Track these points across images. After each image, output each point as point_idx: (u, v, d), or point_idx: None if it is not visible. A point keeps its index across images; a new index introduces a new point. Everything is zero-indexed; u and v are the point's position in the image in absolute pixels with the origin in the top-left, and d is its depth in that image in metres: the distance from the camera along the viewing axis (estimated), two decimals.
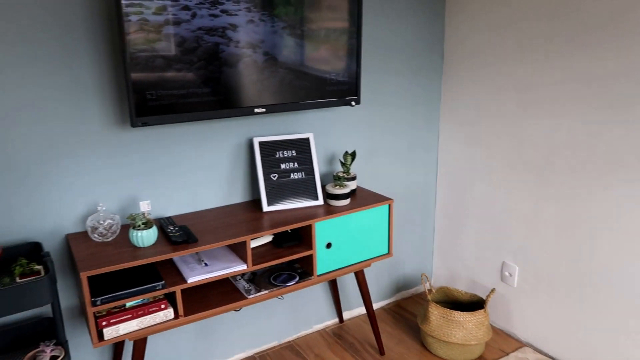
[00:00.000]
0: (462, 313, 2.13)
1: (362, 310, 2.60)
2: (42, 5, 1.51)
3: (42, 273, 1.46)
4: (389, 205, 2.02)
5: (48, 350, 1.46)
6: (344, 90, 1.94)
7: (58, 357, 1.47)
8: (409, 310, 2.62)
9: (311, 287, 2.38)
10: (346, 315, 2.55)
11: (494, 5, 2.17)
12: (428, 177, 2.62)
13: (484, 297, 2.42)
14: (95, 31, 1.60)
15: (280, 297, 2.27)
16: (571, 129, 1.97)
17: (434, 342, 2.20)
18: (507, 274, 2.33)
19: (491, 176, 2.34)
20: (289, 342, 2.36)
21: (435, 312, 2.18)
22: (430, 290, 2.29)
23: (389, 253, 2.08)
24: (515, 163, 2.22)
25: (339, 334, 2.42)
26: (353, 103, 1.97)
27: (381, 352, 2.25)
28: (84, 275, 1.44)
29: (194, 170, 1.91)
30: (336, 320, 2.52)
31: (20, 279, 1.42)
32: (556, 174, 2.05)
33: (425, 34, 2.38)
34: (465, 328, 2.12)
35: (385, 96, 2.33)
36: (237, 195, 2.03)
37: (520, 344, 2.31)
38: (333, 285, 2.42)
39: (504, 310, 2.39)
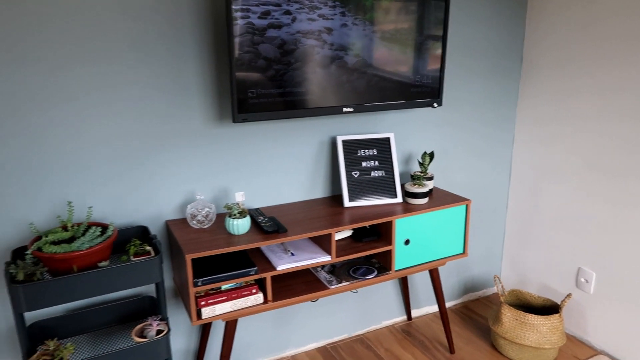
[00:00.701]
0: (536, 316, 2.13)
1: (430, 309, 2.63)
2: (158, 12, 1.66)
3: (152, 253, 1.61)
4: (467, 205, 2.06)
5: (155, 324, 1.61)
6: (427, 93, 1.99)
7: (162, 331, 1.61)
8: (477, 312, 2.63)
9: (381, 283, 2.44)
10: (414, 313, 2.59)
11: (577, 4, 2.16)
12: (501, 178, 2.63)
13: (558, 302, 2.40)
14: (200, 35, 1.74)
15: (354, 290, 2.35)
16: None
17: (506, 344, 2.21)
18: (583, 280, 2.31)
19: (568, 179, 2.32)
20: (359, 335, 2.44)
21: (508, 314, 2.19)
22: (502, 292, 2.30)
23: (464, 253, 2.11)
24: (594, 166, 2.19)
25: (408, 330, 2.47)
26: (435, 105, 2.02)
27: (451, 350, 2.28)
28: (188, 258, 1.57)
29: (280, 165, 2.02)
30: (404, 317, 2.57)
31: (134, 257, 1.57)
32: (639, 179, 2.02)
33: (505, 33, 2.39)
34: (539, 332, 2.12)
35: (461, 95, 2.37)
36: (318, 190, 2.13)
37: (594, 352, 2.28)
38: (403, 283, 2.48)
39: (578, 317, 2.36)
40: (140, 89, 1.70)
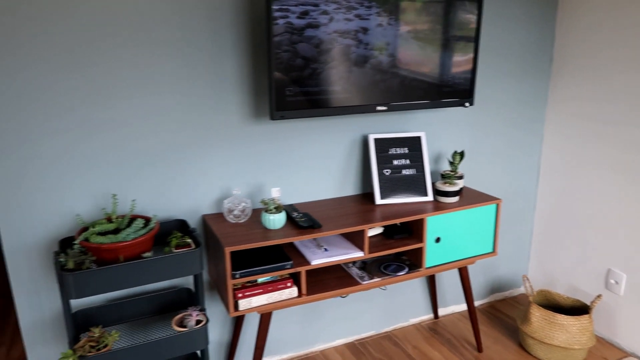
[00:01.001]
0: (565, 317, 2.13)
1: (457, 307, 2.64)
2: (198, 13, 1.71)
3: (193, 246, 1.66)
4: (497, 204, 2.07)
5: (194, 314, 1.66)
6: (458, 92, 2.02)
7: (201, 321, 1.66)
8: (503, 311, 2.63)
9: (409, 282, 2.46)
10: (441, 312, 2.61)
11: (608, 6, 2.16)
12: (529, 179, 2.63)
13: (587, 303, 2.39)
14: (238, 35, 1.79)
15: (383, 287, 2.38)
16: None
17: (534, 343, 2.22)
18: (612, 281, 2.30)
19: (598, 181, 2.32)
20: (387, 332, 2.46)
21: (537, 314, 2.19)
22: (531, 292, 2.30)
23: (493, 252, 2.12)
24: (625, 169, 2.18)
25: (435, 329, 2.49)
26: (467, 104, 2.04)
27: (479, 349, 2.29)
28: (227, 250, 1.62)
29: (313, 163, 2.06)
30: (431, 315, 2.58)
31: (175, 249, 1.63)
32: None
33: (536, 34, 2.40)
34: (569, 332, 2.12)
35: (491, 95, 2.38)
36: (349, 188, 2.16)
37: (624, 354, 2.26)
38: (431, 282, 2.49)
39: (608, 318, 2.35)
40: (181, 87, 1.76)
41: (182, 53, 1.73)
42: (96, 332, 1.57)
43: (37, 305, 1.74)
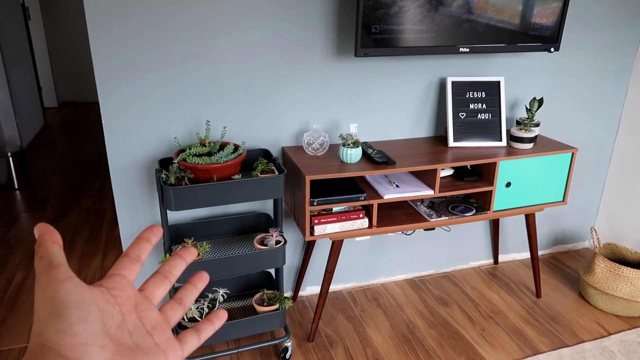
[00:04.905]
0: (631, 269, 2.14)
1: (517, 255, 2.69)
2: None
3: (276, 172, 1.79)
4: (573, 154, 2.06)
5: (275, 234, 1.81)
6: (545, 37, 1.97)
7: (280, 242, 1.81)
8: (565, 263, 2.65)
9: (472, 226, 2.52)
10: (501, 258, 2.66)
11: None
12: (607, 132, 2.56)
13: None
14: None
15: (447, 229, 2.46)
16: None
17: (595, 293, 2.25)
18: None
19: None
20: (446, 272, 2.56)
21: (602, 265, 2.21)
22: (597, 244, 2.31)
23: (563, 201, 2.13)
24: None
25: (494, 273, 2.56)
26: (552, 49, 2.00)
27: (538, 294, 2.35)
28: (308, 178, 1.73)
29: (389, 103, 2.11)
30: (491, 261, 2.65)
31: (261, 174, 1.76)
32: None
33: None
34: (634, 285, 2.13)
35: (575, 43, 2.30)
36: (422, 129, 2.21)
37: None
38: (494, 227, 2.54)
39: None
40: (270, 24, 1.84)
41: None
42: (189, 242, 1.75)
43: (135, 218, 1.95)
